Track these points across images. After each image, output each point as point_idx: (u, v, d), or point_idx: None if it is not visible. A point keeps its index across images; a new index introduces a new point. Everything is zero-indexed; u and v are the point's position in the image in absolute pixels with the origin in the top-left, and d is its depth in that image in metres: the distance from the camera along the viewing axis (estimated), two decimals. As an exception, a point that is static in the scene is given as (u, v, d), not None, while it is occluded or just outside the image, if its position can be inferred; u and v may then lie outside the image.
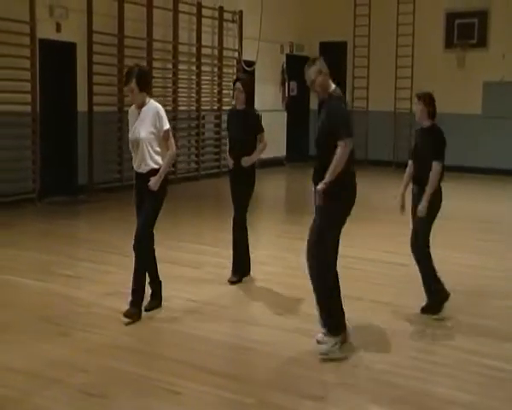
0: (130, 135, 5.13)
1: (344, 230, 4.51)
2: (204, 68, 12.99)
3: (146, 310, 5.05)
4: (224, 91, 13.59)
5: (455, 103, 14.45)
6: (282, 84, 15.40)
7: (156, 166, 4.99)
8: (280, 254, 7.38)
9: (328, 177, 4.30)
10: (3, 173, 9.24)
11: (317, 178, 4.45)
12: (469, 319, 5.20)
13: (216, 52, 13.31)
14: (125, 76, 5.08)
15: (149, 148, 4.99)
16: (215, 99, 13.36)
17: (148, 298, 5.19)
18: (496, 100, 14.14)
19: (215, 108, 13.33)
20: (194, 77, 12.86)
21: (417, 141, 5.25)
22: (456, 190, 12.53)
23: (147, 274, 5.13)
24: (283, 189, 13.68)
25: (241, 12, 13.51)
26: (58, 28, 10.01)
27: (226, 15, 13.27)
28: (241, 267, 6.10)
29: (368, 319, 5.11)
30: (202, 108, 12.86)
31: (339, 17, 15.49)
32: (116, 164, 11.02)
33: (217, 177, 12.92)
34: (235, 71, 13.77)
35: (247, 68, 13.62)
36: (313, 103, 16.49)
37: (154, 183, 4.97)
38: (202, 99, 12.91)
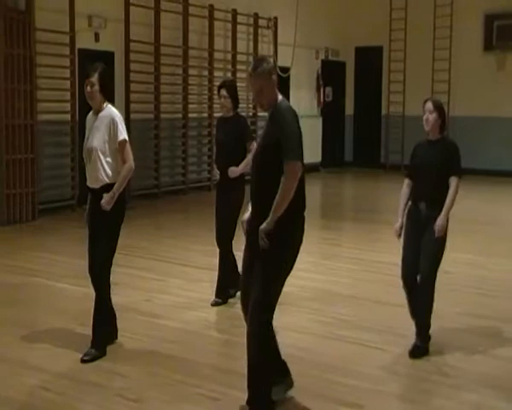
0: (84, 144, 4.52)
1: (375, 236, 4.41)
2: (239, 75, 13.04)
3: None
4: (260, 98, 13.59)
5: (495, 107, 14.20)
6: (318, 89, 15.36)
7: (108, 181, 4.37)
8: (317, 261, 7.35)
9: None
10: (45, 181, 9.45)
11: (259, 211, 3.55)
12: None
13: (251, 59, 13.34)
14: (88, 71, 4.48)
15: (102, 159, 4.37)
16: (250, 105, 13.40)
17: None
18: (537, 102, 13.83)
19: (250, 114, 13.37)
20: (229, 84, 12.92)
21: (424, 156, 4.65)
22: (496, 194, 12.29)
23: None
24: (319, 194, 13.62)
25: (275, 18, 13.54)
26: (96, 38, 10.21)
27: (261, 22, 13.31)
28: (224, 289, 5.55)
29: (402, 325, 5.04)
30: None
31: (374, 21, 15.37)
32: (153, 170, 11.15)
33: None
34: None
35: (282, 74, 13.63)
36: (349, 109, 16.42)
37: (106, 201, 4.32)
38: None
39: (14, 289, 5.97)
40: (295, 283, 6.17)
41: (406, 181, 4.74)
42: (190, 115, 11.71)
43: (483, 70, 14.35)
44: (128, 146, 4.42)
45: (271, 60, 3.50)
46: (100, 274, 4.45)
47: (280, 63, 13.59)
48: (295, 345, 4.65)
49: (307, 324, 5.14)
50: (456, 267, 6.40)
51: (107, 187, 4.36)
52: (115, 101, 10.49)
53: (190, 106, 11.72)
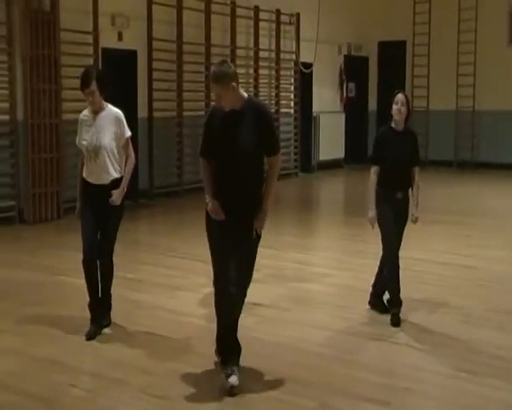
0: (85, 143, 4.68)
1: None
2: (261, 72, 13.02)
3: (89, 338, 4.65)
4: (282, 94, 13.59)
5: (521, 100, 13.98)
6: (340, 85, 15.27)
7: (118, 176, 4.67)
8: (341, 257, 7.31)
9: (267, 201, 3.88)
10: (70, 180, 9.53)
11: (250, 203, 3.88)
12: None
13: (273, 55, 13.32)
14: (82, 78, 4.60)
15: (111, 156, 4.63)
16: (273, 102, 13.37)
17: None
18: None
19: (273, 110, 13.34)
20: (251, 80, 12.91)
21: (397, 148, 4.98)
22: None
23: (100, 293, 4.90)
24: (342, 190, 13.55)
25: (298, 14, 13.48)
26: (120, 37, 10.27)
27: (283, 18, 13.27)
28: None
29: (433, 322, 4.99)
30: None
31: (398, 15, 15.22)
32: (176, 168, 11.20)
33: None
34: (292, 73, 13.76)
35: (304, 70, 13.58)
36: (372, 104, 16.29)
37: (117, 197, 4.62)
38: (260, 102, 12.94)
39: (40, 288, 6.04)
40: (319, 279, 6.17)
41: (374, 168, 5.08)
42: (213, 113, 11.72)
43: (509, 63, 14.12)
44: (130, 142, 4.80)
45: (232, 65, 3.81)
46: (109, 257, 4.84)
47: (302, 59, 13.55)
48: (320, 342, 4.63)
49: (332, 320, 5.11)
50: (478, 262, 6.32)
51: (116, 181, 4.67)
52: (138, 99, 10.62)
53: (213, 103, 11.72)
